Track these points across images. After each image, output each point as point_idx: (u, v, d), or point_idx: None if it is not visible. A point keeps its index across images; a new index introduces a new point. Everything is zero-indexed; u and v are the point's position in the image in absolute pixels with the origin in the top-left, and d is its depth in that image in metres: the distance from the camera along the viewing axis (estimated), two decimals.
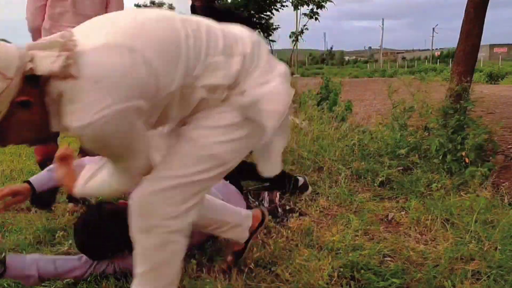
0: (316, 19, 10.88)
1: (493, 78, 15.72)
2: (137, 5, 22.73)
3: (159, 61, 1.02)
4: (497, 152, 2.86)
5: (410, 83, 3.39)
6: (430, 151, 2.82)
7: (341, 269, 1.60)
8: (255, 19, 18.56)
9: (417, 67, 36.58)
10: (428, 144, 2.90)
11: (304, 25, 11.30)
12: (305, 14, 11.22)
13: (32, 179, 1.63)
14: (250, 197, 2.50)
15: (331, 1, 10.83)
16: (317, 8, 10.94)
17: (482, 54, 42.66)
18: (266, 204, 2.37)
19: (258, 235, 1.93)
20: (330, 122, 4.56)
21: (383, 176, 2.69)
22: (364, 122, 4.96)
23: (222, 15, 3.58)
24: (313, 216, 2.25)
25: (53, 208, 2.48)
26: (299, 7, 11.53)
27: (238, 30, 1.24)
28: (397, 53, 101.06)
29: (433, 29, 71.72)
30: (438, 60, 52.15)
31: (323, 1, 10.77)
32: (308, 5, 11.08)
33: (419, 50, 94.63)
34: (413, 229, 2.05)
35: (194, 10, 3.48)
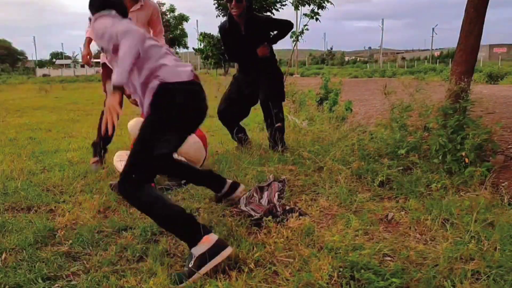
0: (316, 19, 10.89)
1: (492, 78, 15.72)
2: None
3: None
4: (497, 152, 2.86)
5: (410, 84, 3.39)
6: (430, 151, 2.82)
7: (341, 269, 1.60)
8: None
9: (417, 67, 36.60)
10: (428, 144, 2.90)
11: (305, 25, 11.31)
12: (305, 15, 11.23)
13: None
14: (255, 194, 2.50)
15: (331, 3, 10.85)
16: (318, 9, 10.95)
17: (482, 54, 42.69)
18: (264, 203, 2.37)
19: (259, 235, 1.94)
20: (330, 122, 4.57)
21: (383, 176, 2.69)
22: (364, 122, 4.97)
23: (263, 23, 3.62)
24: (313, 216, 2.25)
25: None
26: (300, 7, 11.55)
27: None
28: (397, 53, 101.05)
29: (433, 29, 71.72)
30: (438, 60, 52.19)
31: (323, 2, 10.79)
32: (309, 5, 11.09)
33: (419, 50, 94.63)
34: (412, 229, 2.06)
35: (232, 18, 3.58)
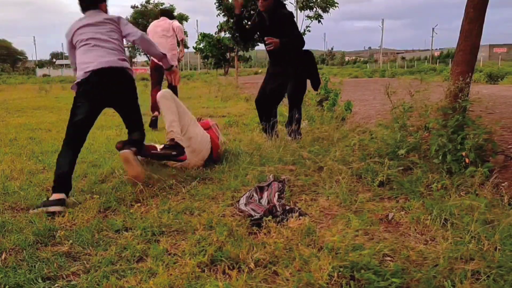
0: (319, 21, 10.99)
1: (493, 78, 15.74)
2: (133, 7, 22.61)
3: None
4: (497, 152, 2.85)
5: (410, 84, 3.39)
6: (430, 151, 2.82)
7: (341, 269, 1.60)
8: None
9: (417, 67, 36.62)
10: (428, 144, 2.90)
11: (307, 27, 11.36)
12: (308, 17, 11.33)
13: None
14: (255, 194, 2.51)
15: (336, 6, 10.97)
16: (322, 12, 11.08)
17: (482, 54, 42.72)
18: (264, 203, 2.37)
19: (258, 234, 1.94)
20: (330, 122, 4.56)
21: (383, 176, 2.69)
22: (364, 122, 4.97)
23: (284, 18, 3.84)
24: (313, 216, 2.25)
25: None
26: (304, 9, 11.65)
27: None
28: (397, 53, 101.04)
29: (433, 29, 71.82)
30: (438, 60, 52.22)
31: (327, 6, 10.91)
32: (312, 9, 11.21)
33: (419, 50, 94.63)
34: (413, 229, 2.06)
35: (260, 11, 3.93)
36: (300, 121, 4.17)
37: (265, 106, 4.08)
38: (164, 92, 3.20)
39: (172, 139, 3.06)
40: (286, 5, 4.09)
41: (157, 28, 5.84)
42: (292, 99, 4.12)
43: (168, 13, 6.12)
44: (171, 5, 37.46)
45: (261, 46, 20.74)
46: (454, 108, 2.88)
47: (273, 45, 3.71)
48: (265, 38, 3.77)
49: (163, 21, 5.78)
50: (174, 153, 3.00)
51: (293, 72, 3.96)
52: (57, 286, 1.64)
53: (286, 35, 3.79)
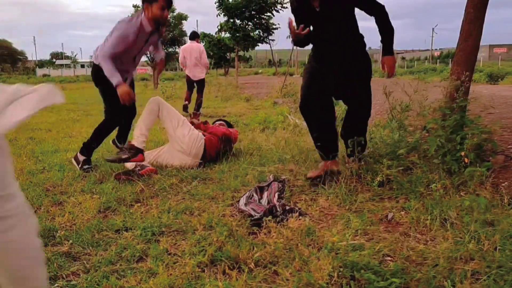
0: None
1: (493, 78, 15.75)
2: (135, 6, 22.61)
3: None
4: (497, 152, 2.85)
5: (409, 84, 3.39)
6: (429, 151, 2.82)
7: (341, 269, 1.60)
8: (255, 19, 18.61)
9: (417, 67, 36.65)
10: (427, 144, 2.90)
11: None
12: None
13: None
14: (255, 194, 2.51)
15: None
16: None
17: (482, 54, 42.73)
18: (264, 203, 2.37)
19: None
20: None
21: (382, 176, 2.69)
22: None
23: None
24: (313, 216, 2.25)
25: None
26: None
27: None
28: (397, 53, 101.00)
29: (433, 29, 71.94)
30: (438, 60, 52.24)
31: None
32: None
33: (419, 50, 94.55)
34: (412, 229, 2.06)
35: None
36: (365, 148, 2.99)
37: (332, 122, 2.98)
38: (153, 98, 3.42)
39: (132, 145, 3.16)
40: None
41: (191, 48, 7.52)
42: (356, 108, 2.99)
43: (197, 35, 7.82)
44: None
45: (261, 46, 20.67)
46: (452, 108, 2.88)
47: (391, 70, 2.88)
48: (389, 74, 2.93)
49: (195, 44, 7.46)
50: (124, 156, 3.08)
51: (363, 65, 3.02)
52: (57, 286, 1.64)
53: (342, 18, 2.79)
